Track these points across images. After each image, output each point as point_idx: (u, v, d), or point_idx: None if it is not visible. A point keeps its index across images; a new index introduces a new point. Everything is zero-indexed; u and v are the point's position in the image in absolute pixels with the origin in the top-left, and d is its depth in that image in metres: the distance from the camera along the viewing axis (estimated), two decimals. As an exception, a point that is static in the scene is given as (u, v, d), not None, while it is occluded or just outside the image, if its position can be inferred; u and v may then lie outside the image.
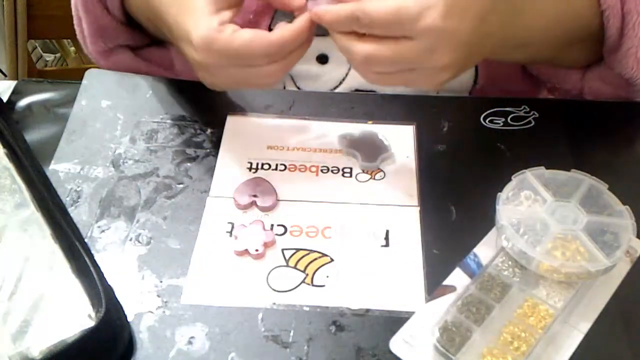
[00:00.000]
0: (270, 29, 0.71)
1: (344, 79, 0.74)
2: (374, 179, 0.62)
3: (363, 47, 0.52)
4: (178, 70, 0.77)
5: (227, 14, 0.55)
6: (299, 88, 0.77)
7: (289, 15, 0.68)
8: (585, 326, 0.50)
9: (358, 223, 0.57)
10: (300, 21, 0.55)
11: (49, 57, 1.78)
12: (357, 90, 0.75)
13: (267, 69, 0.55)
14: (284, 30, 0.54)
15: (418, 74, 0.53)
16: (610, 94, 0.71)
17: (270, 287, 0.53)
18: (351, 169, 0.62)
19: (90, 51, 0.75)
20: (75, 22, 0.74)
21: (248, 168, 0.62)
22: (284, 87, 0.78)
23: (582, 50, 0.69)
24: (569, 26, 0.65)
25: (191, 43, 0.55)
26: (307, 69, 0.74)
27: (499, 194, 0.55)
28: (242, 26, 0.70)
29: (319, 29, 0.71)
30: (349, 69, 0.74)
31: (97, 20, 0.72)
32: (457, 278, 0.53)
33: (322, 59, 0.74)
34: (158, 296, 0.52)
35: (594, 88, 0.71)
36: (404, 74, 0.53)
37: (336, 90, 0.75)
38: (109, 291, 0.49)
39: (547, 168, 0.57)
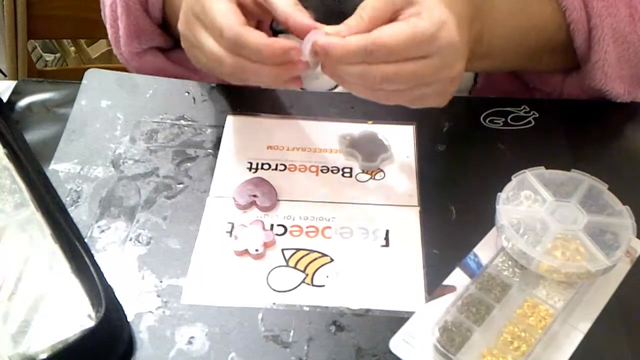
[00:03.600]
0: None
1: None
2: (374, 179, 0.62)
3: (381, 70, 0.51)
4: (203, 73, 0.77)
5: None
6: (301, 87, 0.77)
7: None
8: (585, 326, 0.50)
9: (358, 223, 0.57)
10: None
11: (49, 57, 1.78)
12: None
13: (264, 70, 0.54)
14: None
15: (433, 88, 0.53)
16: (585, 97, 0.71)
17: (270, 287, 0.53)
18: (351, 169, 0.62)
19: (123, 52, 0.74)
20: (109, 22, 0.74)
21: (248, 168, 0.62)
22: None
23: (553, 59, 0.70)
24: (531, 37, 0.65)
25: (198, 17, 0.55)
26: None
27: (499, 194, 0.55)
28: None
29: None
30: None
31: (137, 21, 0.72)
32: (457, 278, 0.53)
33: None
34: (158, 296, 0.52)
35: (572, 94, 0.72)
36: (420, 88, 0.53)
37: (336, 90, 0.75)
38: (109, 291, 0.49)
39: (547, 168, 0.57)
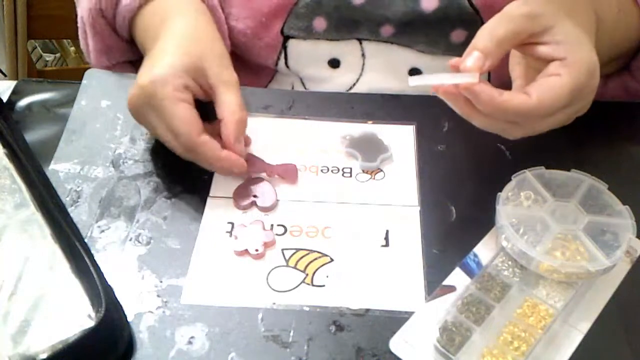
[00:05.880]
0: (282, 33, 0.71)
1: (354, 85, 0.74)
2: (374, 179, 0.62)
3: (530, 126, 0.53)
4: None
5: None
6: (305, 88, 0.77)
7: (302, 18, 0.68)
8: (585, 326, 0.50)
9: (358, 223, 0.57)
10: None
11: (49, 57, 1.78)
12: None
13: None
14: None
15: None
16: (627, 99, 0.72)
17: (270, 287, 0.53)
18: (351, 169, 0.62)
19: (94, 65, 0.74)
20: (80, 34, 0.73)
21: (248, 168, 0.62)
22: (292, 88, 0.77)
23: (613, 65, 0.70)
24: (624, 39, 0.66)
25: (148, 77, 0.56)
26: (318, 72, 0.74)
27: (499, 194, 0.55)
28: (254, 29, 0.71)
29: (330, 34, 0.71)
30: (360, 75, 0.73)
31: (104, 40, 0.71)
32: (457, 278, 0.53)
33: (334, 63, 0.73)
34: (158, 296, 0.52)
35: (615, 96, 0.72)
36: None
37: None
38: (109, 291, 0.49)
39: (547, 168, 0.57)
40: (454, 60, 0.51)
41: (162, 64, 0.57)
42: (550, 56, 0.51)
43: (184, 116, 0.56)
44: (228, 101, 0.58)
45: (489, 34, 0.51)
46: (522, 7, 0.51)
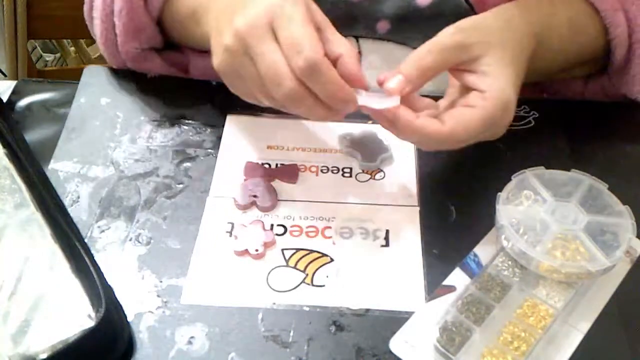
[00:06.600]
0: None
1: None
2: (374, 179, 0.62)
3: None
4: (192, 75, 0.76)
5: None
6: None
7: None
8: (585, 326, 0.50)
9: (358, 223, 0.57)
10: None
11: (49, 57, 1.78)
12: None
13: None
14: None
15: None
16: (609, 101, 0.72)
17: (270, 287, 0.53)
18: (351, 169, 0.62)
19: (121, 51, 0.69)
20: (99, 21, 0.68)
21: (248, 168, 0.62)
22: None
23: (583, 69, 0.71)
24: (575, 59, 0.67)
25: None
26: None
27: (499, 194, 0.55)
28: None
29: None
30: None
31: (140, 18, 0.67)
32: (457, 278, 0.53)
33: None
34: (158, 296, 0.52)
35: (595, 97, 0.73)
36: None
37: None
38: (109, 291, 0.49)
39: (547, 168, 0.57)
40: (383, 75, 0.54)
41: None
42: (474, 85, 0.54)
43: (311, 33, 0.49)
44: (339, 37, 0.53)
45: (416, 62, 0.53)
46: (454, 36, 0.54)
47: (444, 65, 0.54)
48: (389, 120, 0.53)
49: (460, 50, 0.54)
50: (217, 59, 0.53)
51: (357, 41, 0.72)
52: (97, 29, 0.69)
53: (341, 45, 0.52)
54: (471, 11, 0.67)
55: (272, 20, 0.50)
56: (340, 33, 0.71)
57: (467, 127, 0.52)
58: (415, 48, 0.71)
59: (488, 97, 0.52)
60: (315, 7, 0.53)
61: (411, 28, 0.70)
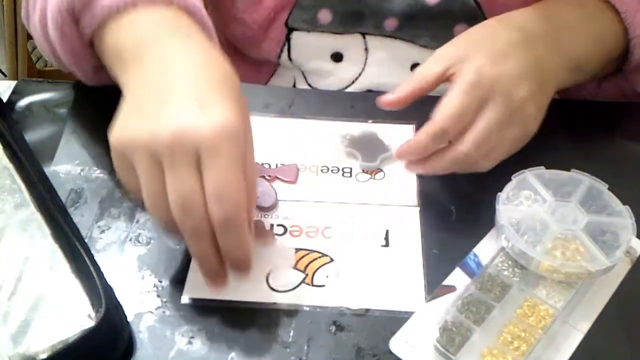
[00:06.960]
0: (287, 25, 0.71)
1: (356, 79, 0.74)
2: (374, 179, 0.62)
3: (464, 143, 0.54)
4: None
5: None
6: (309, 85, 0.77)
7: (307, 10, 0.69)
8: (585, 326, 0.50)
9: (358, 223, 0.57)
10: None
11: (49, 57, 1.78)
12: (368, 90, 0.75)
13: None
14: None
15: (511, 127, 0.55)
16: (623, 99, 0.72)
17: (270, 287, 0.53)
18: (351, 169, 0.62)
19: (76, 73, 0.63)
20: (42, 37, 0.59)
21: (248, 168, 0.62)
22: (294, 84, 0.77)
23: (603, 71, 0.70)
24: (608, 48, 0.66)
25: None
26: (320, 66, 0.74)
27: (499, 194, 0.55)
28: (261, 23, 0.71)
29: (335, 27, 0.71)
30: (363, 69, 0.74)
31: (73, 45, 0.57)
32: (457, 278, 0.53)
33: (337, 57, 0.74)
34: (158, 296, 0.52)
35: (609, 97, 0.72)
36: (500, 132, 0.55)
37: (347, 90, 0.75)
38: (109, 291, 0.49)
39: (547, 168, 0.57)
40: (385, 99, 0.57)
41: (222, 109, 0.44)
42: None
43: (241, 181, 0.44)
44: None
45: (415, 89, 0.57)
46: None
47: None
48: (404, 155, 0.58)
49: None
50: (121, 138, 0.47)
51: (364, 38, 0.72)
52: (45, 52, 0.62)
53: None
54: (478, 10, 0.67)
55: (208, 147, 0.42)
56: (347, 29, 0.72)
57: (446, 104, 0.53)
58: (422, 46, 0.72)
59: (456, 73, 0.54)
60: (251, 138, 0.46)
61: (419, 26, 0.70)
